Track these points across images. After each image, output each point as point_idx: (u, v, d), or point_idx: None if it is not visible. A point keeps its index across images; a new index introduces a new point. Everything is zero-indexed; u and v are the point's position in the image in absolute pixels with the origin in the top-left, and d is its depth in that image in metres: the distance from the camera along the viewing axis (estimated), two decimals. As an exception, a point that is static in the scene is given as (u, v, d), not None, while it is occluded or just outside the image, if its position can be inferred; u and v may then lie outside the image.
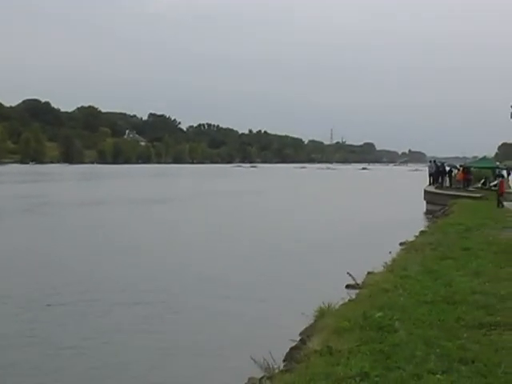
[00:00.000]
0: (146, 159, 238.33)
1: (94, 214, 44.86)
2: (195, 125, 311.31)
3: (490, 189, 46.68)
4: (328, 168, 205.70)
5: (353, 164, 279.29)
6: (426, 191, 51.21)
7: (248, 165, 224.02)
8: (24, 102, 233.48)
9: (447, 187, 50.86)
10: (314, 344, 9.47)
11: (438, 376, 7.52)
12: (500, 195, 35.48)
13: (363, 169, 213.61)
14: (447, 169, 54.70)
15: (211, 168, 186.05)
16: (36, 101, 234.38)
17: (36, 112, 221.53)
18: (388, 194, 72.11)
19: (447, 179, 52.91)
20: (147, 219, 41.29)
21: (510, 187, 46.87)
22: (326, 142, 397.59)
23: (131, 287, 19.39)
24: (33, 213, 44.14)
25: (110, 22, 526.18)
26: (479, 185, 49.29)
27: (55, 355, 12.84)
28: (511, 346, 8.62)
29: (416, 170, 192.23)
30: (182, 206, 53.06)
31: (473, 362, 8.01)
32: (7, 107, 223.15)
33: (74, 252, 26.48)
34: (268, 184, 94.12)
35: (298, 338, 11.77)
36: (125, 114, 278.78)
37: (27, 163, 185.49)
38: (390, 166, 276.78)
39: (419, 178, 75.67)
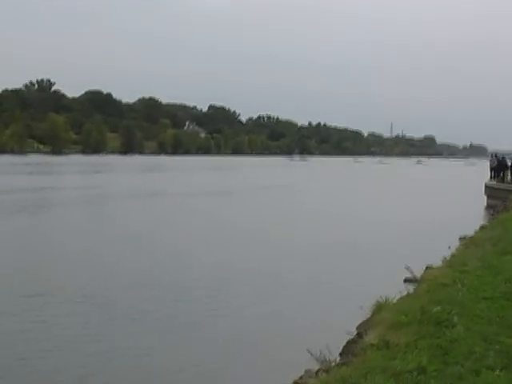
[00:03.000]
0: (205, 150, 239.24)
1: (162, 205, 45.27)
2: (255, 117, 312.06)
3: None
4: (381, 162, 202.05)
5: (411, 157, 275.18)
6: (486, 186, 50.48)
7: (298, 157, 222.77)
8: (86, 93, 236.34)
9: (509, 182, 50.02)
10: (371, 338, 9.44)
11: (497, 372, 7.43)
12: None
13: (418, 163, 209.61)
14: (509, 163, 53.67)
15: (264, 161, 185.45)
16: (98, 92, 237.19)
17: (98, 103, 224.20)
18: (444, 189, 71.13)
19: (509, 173, 51.97)
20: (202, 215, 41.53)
21: None
22: (386, 135, 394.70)
23: (184, 283, 19.59)
24: (97, 204, 44.89)
25: (167, 12, 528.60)
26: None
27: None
28: None
29: (473, 164, 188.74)
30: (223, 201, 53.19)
31: (532, 359, 7.91)
32: (70, 98, 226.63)
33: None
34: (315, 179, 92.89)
35: (355, 332, 11.75)
36: (185, 106, 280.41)
37: (99, 153, 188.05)
38: (450, 161, 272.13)
39: (478, 172, 74.64)
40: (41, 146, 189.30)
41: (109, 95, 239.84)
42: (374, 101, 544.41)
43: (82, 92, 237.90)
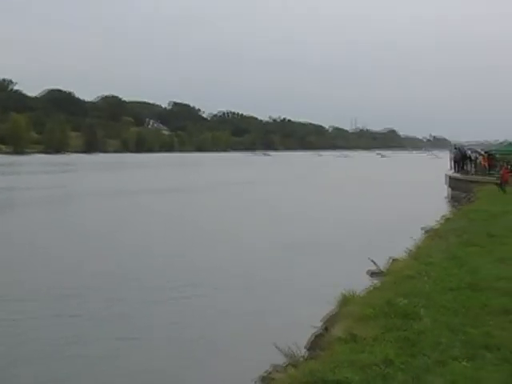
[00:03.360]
0: (169, 148, 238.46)
1: (120, 203, 44.98)
2: (218, 113, 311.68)
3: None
4: (344, 156, 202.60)
5: (374, 150, 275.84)
6: (449, 177, 50.88)
7: (261, 153, 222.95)
8: (48, 92, 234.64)
9: (472, 173, 50.50)
10: (339, 331, 9.44)
11: (464, 363, 7.49)
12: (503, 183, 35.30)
13: (380, 155, 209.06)
14: (471, 155, 54.15)
15: (227, 156, 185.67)
16: (59, 91, 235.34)
17: (60, 102, 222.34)
18: (405, 181, 71.62)
19: (472, 165, 52.50)
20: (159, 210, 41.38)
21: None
22: (349, 129, 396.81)
23: (151, 282, 19.49)
24: (60, 204, 44.49)
25: (132, 9, 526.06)
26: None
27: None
28: (537, 333, 8.55)
29: (435, 156, 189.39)
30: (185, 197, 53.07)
31: (498, 348, 7.96)
32: (31, 98, 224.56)
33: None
34: (279, 174, 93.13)
35: (322, 326, 11.74)
36: (148, 104, 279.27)
37: (62, 152, 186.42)
38: (413, 153, 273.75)
39: (439, 164, 75.20)
40: (2, 147, 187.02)
41: (70, 94, 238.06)
42: (337, 96, 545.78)
43: (43, 91, 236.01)
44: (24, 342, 13.02)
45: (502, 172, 37.48)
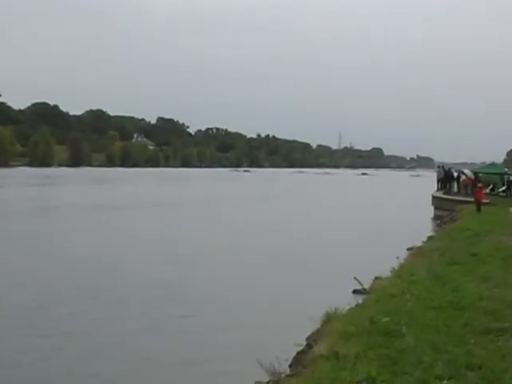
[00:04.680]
0: (154, 163, 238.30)
1: (106, 218, 44.79)
2: (203, 129, 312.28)
3: (498, 195, 46.70)
4: (326, 173, 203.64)
5: (360, 169, 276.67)
6: (433, 197, 51.16)
7: (242, 169, 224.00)
8: (33, 105, 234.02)
9: (455, 193, 50.79)
10: (321, 348, 9.45)
11: (445, 382, 7.51)
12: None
13: (363, 174, 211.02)
14: (455, 174, 54.54)
15: (209, 172, 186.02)
16: (45, 104, 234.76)
17: (45, 115, 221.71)
18: (392, 200, 71.84)
19: (455, 185, 52.82)
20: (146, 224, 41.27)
21: None
22: (335, 147, 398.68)
23: (138, 294, 19.42)
24: (43, 216, 44.25)
25: (116, 24, 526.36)
26: (487, 190, 49.13)
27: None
28: (519, 352, 8.59)
29: (418, 175, 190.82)
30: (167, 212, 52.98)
31: (480, 368, 7.98)
32: (16, 110, 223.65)
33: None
34: (258, 189, 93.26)
35: (305, 343, 11.74)
36: (133, 118, 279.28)
37: (48, 166, 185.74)
38: (396, 171, 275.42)
39: (424, 183, 75.40)
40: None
41: (56, 107, 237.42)
42: (323, 113, 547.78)
43: (29, 104, 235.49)
44: None
45: (476, 193, 37.75)
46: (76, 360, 12.87)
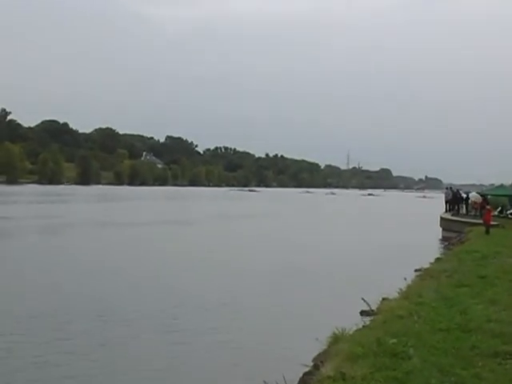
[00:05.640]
0: (162, 181, 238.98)
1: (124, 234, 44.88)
2: (212, 148, 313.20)
3: (506, 217, 46.49)
4: (332, 193, 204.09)
5: (367, 190, 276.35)
6: (442, 218, 50.98)
7: (247, 189, 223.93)
8: (43, 122, 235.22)
9: (463, 214, 50.67)
10: (328, 370, 9.41)
11: (452, 404, 7.48)
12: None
13: (369, 195, 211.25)
14: (463, 196, 54.44)
15: (213, 191, 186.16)
16: (54, 122, 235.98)
17: (54, 133, 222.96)
18: (400, 221, 71.68)
19: (463, 206, 52.73)
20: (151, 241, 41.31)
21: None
22: (343, 167, 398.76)
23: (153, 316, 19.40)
24: (54, 234, 44.30)
25: (126, 46, 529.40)
26: (495, 212, 48.93)
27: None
28: (526, 376, 8.54)
29: (424, 196, 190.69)
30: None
31: (487, 390, 7.95)
32: (26, 128, 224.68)
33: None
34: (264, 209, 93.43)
35: (312, 364, 11.70)
36: (142, 136, 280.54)
37: (60, 183, 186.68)
38: (405, 192, 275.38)
39: (431, 205, 75.19)
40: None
41: (65, 125, 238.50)
42: (332, 133, 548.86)
43: (39, 122, 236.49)
44: None
45: (484, 215, 37.69)
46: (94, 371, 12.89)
